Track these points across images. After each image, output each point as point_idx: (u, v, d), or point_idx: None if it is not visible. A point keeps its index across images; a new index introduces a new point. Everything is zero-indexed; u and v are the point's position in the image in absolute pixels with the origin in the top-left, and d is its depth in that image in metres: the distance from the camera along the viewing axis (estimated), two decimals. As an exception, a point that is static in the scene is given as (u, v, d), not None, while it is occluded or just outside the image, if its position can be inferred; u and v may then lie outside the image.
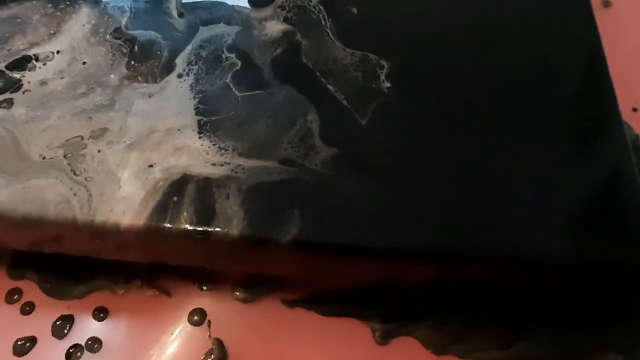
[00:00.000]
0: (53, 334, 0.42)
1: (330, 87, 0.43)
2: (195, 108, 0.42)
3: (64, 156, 0.38)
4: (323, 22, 0.48)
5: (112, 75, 0.43)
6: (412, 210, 0.36)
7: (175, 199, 0.37)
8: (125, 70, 0.44)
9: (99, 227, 0.35)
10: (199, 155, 0.39)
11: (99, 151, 0.39)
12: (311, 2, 0.49)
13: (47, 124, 0.40)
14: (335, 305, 0.45)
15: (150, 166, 0.38)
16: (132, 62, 0.44)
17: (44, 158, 0.38)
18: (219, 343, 0.46)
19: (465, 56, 0.45)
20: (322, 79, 0.44)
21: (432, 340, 0.42)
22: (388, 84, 0.43)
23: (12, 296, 0.44)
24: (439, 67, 0.45)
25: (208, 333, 0.45)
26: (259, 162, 0.39)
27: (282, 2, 0.49)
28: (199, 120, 0.41)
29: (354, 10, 0.47)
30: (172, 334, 0.44)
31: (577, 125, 0.40)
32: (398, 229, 0.35)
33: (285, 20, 0.48)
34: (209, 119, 0.41)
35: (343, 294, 0.44)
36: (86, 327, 0.43)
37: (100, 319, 0.44)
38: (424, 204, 0.36)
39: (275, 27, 0.47)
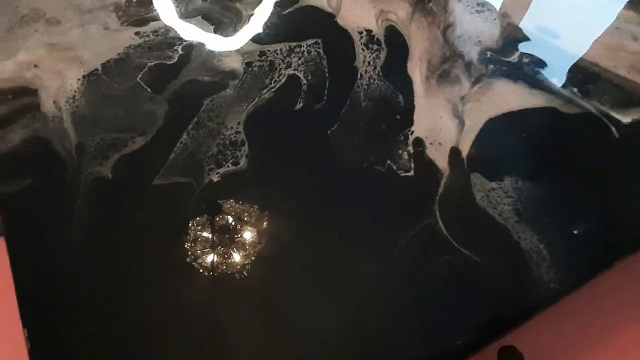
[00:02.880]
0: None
1: (184, 135, 0.42)
2: (106, 61, 0.46)
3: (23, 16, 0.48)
4: (263, 91, 0.45)
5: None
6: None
7: (9, 96, 0.43)
8: (122, 1, 0.50)
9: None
10: (51, 92, 0.44)
11: (35, 30, 0.48)
12: (281, 70, 0.46)
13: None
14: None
15: (35, 66, 0.45)
16: (134, 1, 0.51)
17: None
18: None
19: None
20: (190, 125, 0.42)
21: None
22: (216, 178, 0.40)
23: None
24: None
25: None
26: (67, 128, 0.42)
27: (268, 52, 0.47)
28: (92, 71, 0.45)
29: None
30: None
31: None
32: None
33: (246, 64, 0.46)
34: (98, 75, 0.45)
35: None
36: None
37: None
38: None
39: (232, 62, 0.47)
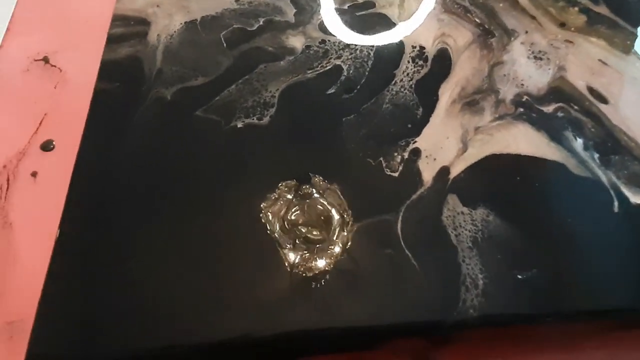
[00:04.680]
0: None
1: (233, 86, 0.52)
2: (205, 15, 0.58)
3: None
4: (309, 71, 0.52)
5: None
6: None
7: (131, 22, 0.57)
8: (237, -26, 0.62)
9: None
10: (159, 27, 0.57)
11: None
12: (331, 59, 0.53)
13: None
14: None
15: (158, 6, 0.59)
16: (245, -25, 0.62)
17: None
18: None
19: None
20: (241, 80, 0.52)
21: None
22: (240, 124, 0.49)
23: None
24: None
25: None
26: (158, 56, 0.54)
27: (328, 41, 0.55)
28: (193, 20, 0.57)
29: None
30: None
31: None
32: None
33: (306, 47, 0.54)
34: (195, 24, 0.57)
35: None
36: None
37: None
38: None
39: (295, 42, 0.55)
